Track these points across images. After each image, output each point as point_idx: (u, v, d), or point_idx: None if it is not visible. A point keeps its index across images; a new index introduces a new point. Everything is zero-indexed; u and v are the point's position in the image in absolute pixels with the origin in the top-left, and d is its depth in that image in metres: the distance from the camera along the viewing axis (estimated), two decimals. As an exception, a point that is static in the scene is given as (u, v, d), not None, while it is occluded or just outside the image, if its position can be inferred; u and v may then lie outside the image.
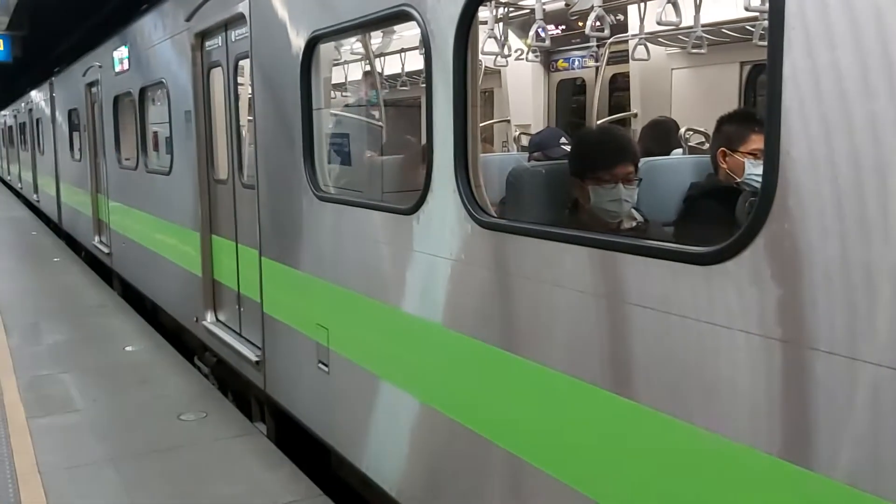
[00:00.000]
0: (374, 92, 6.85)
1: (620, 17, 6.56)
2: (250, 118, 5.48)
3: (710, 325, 2.18)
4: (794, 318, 1.96)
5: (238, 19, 5.42)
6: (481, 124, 3.59)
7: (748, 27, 5.40)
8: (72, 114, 13.39)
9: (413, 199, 3.52)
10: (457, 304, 3.31)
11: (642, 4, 6.02)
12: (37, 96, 18.61)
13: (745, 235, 2.06)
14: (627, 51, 6.43)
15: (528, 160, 4.74)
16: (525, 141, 6.38)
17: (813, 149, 1.88)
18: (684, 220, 3.34)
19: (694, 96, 6.59)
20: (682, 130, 4.38)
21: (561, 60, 8.40)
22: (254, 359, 5.49)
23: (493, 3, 5.94)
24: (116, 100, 9.71)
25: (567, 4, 6.21)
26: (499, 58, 6.62)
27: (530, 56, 7.62)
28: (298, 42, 4.46)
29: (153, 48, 7.84)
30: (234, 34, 5.69)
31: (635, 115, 6.81)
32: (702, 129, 4.48)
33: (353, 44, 6.04)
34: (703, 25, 5.44)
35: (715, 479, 2.22)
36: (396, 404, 3.82)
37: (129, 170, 9.25)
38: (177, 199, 7.27)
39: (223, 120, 6.14)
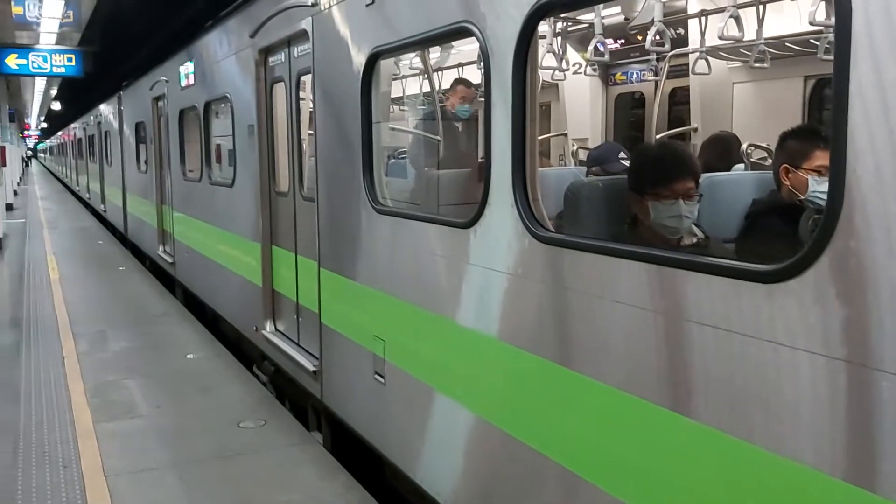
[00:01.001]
0: (431, 106, 6.92)
1: (681, 30, 6.50)
2: (311, 132, 5.58)
3: (772, 344, 2.15)
4: (859, 337, 1.92)
5: (301, 36, 5.54)
6: (539, 138, 3.59)
7: (813, 41, 5.31)
8: (139, 127, 13.79)
9: (470, 213, 3.55)
10: (512, 318, 3.31)
11: (703, 18, 5.96)
12: (105, 109, 19.22)
13: (810, 253, 2.03)
14: (688, 64, 6.37)
15: (587, 174, 4.73)
16: (583, 155, 6.35)
17: (880, 166, 1.85)
18: (746, 238, 3.29)
19: (756, 111, 6.49)
20: (745, 146, 4.32)
21: (619, 74, 8.36)
22: (311, 368, 5.57)
23: (552, 18, 5.95)
24: (182, 113, 9.98)
25: (626, 19, 6.18)
26: (557, 72, 6.62)
27: (588, 70, 7.60)
28: (359, 58, 4.53)
29: (218, 63, 8.05)
30: (296, 50, 5.82)
31: (695, 130, 6.73)
32: (764, 145, 4.41)
33: (411, 58, 6.11)
34: (765, 39, 5.36)
35: (776, 501, 2.18)
36: (451, 417, 3.84)
37: (193, 181, 9.48)
38: (239, 210, 7.44)
39: (285, 134, 6.26)
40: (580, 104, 8.28)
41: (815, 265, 2.02)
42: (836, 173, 1.95)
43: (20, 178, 41.50)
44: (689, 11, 6.21)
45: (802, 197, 3.19)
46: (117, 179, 16.74)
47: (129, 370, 7.14)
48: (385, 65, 4.59)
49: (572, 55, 7.23)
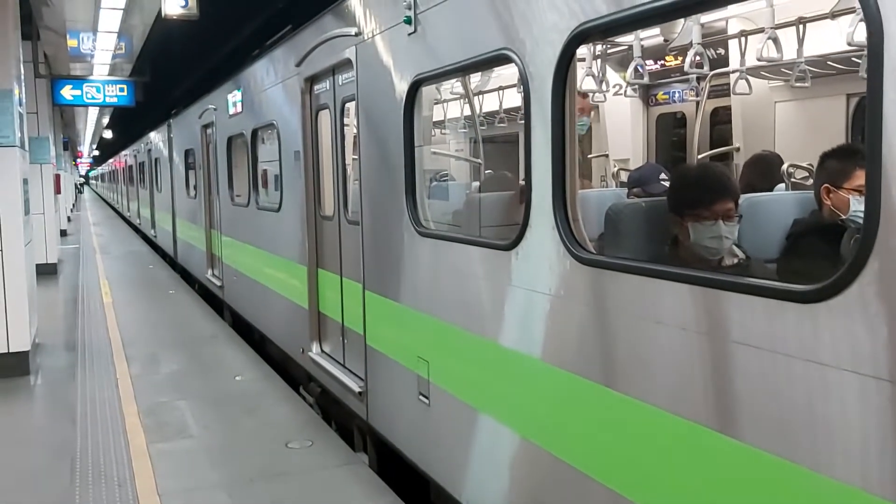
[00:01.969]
0: (472, 130, 7.01)
1: (721, 50, 6.51)
2: (355, 157, 5.70)
3: (813, 364, 2.16)
4: (899, 357, 1.94)
5: (345, 64, 5.68)
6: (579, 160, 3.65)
7: (854, 59, 5.28)
8: (188, 153, 14.12)
9: (511, 235, 3.61)
10: (555, 339, 3.35)
11: (743, 38, 5.96)
12: (155, 137, 19.72)
13: (848, 273, 2.05)
14: (729, 84, 6.37)
15: (628, 196, 4.76)
16: (624, 176, 6.37)
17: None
18: (787, 258, 3.30)
19: (799, 130, 6.44)
20: (785, 166, 4.31)
21: (661, 93, 8.36)
22: (357, 390, 5.65)
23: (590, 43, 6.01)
24: (230, 140, 10.23)
25: (665, 41, 6.21)
26: (597, 93, 6.67)
27: (629, 91, 7.62)
28: (402, 85, 4.65)
29: (265, 92, 8.26)
30: (341, 78, 5.96)
31: (737, 150, 6.70)
32: (805, 165, 4.40)
33: (453, 84, 6.22)
34: (806, 58, 5.35)
35: (822, 521, 2.18)
36: (496, 438, 3.88)
37: (240, 206, 9.70)
38: (285, 234, 7.59)
39: (330, 159, 6.41)
40: (621, 125, 8.29)
41: (854, 284, 2.04)
42: (872, 193, 1.97)
43: (73, 205, 42.62)
44: (729, 32, 6.21)
45: (844, 217, 3.18)
46: (167, 205, 17.13)
47: (179, 391, 7.31)
48: (427, 91, 4.68)
49: (612, 76, 7.27)
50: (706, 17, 5.71)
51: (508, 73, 6.74)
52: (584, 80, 5.86)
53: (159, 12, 9.86)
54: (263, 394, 7.21)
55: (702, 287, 2.58)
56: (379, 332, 5.33)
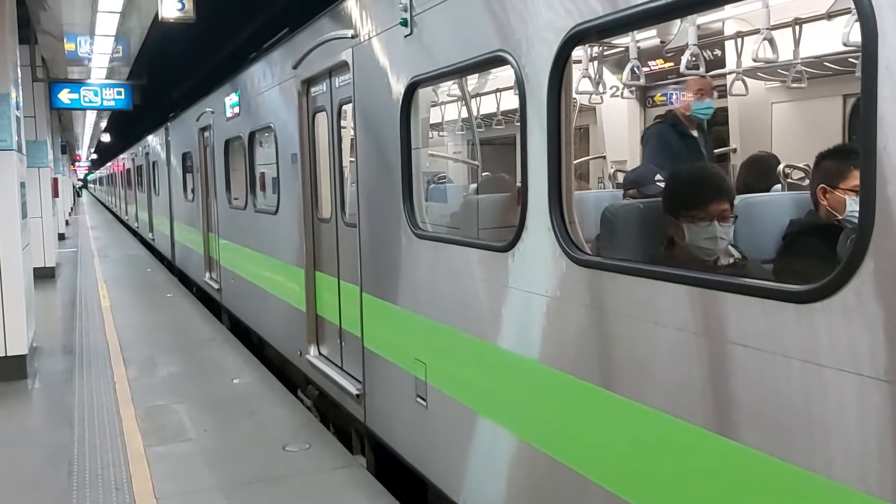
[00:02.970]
0: (469, 132, 7.01)
1: (717, 52, 6.52)
2: (352, 159, 5.70)
3: (810, 364, 2.16)
4: (895, 356, 1.93)
5: (342, 66, 5.68)
6: (576, 161, 3.65)
7: (851, 59, 5.29)
8: (185, 157, 14.12)
9: (508, 236, 3.61)
10: (552, 341, 3.35)
11: (739, 39, 5.97)
12: (153, 140, 19.72)
13: (844, 273, 2.05)
14: (725, 85, 6.38)
15: (623, 197, 4.76)
16: (620, 178, 6.38)
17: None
18: (784, 258, 3.30)
19: (796, 130, 6.45)
20: (781, 166, 4.32)
21: (658, 95, 8.37)
22: (355, 392, 5.65)
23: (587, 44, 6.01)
24: (227, 143, 10.23)
25: (662, 42, 6.22)
26: (593, 95, 6.68)
27: (626, 92, 7.63)
28: (398, 87, 4.65)
29: (262, 95, 8.26)
30: (337, 80, 5.96)
31: (734, 151, 6.71)
32: (801, 165, 4.41)
33: (449, 86, 6.22)
34: (802, 59, 5.36)
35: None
36: (494, 440, 3.87)
37: (238, 209, 9.70)
38: (283, 237, 7.59)
39: (327, 161, 6.41)
40: (618, 126, 8.31)
41: (850, 284, 2.04)
42: (867, 193, 1.97)
43: (71, 209, 42.60)
44: (725, 33, 6.22)
45: (840, 217, 3.19)
46: (165, 208, 17.13)
47: (177, 395, 7.30)
48: (423, 93, 4.68)
49: (609, 77, 7.27)
50: (702, 19, 5.72)
51: (505, 74, 6.74)
52: (580, 81, 5.86)
53: (156, 15, 9.86)
54: (261, 397, 7.20)
55: (698, 288, 2.58)
56: (376, 335, 5.33)
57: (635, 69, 5.73)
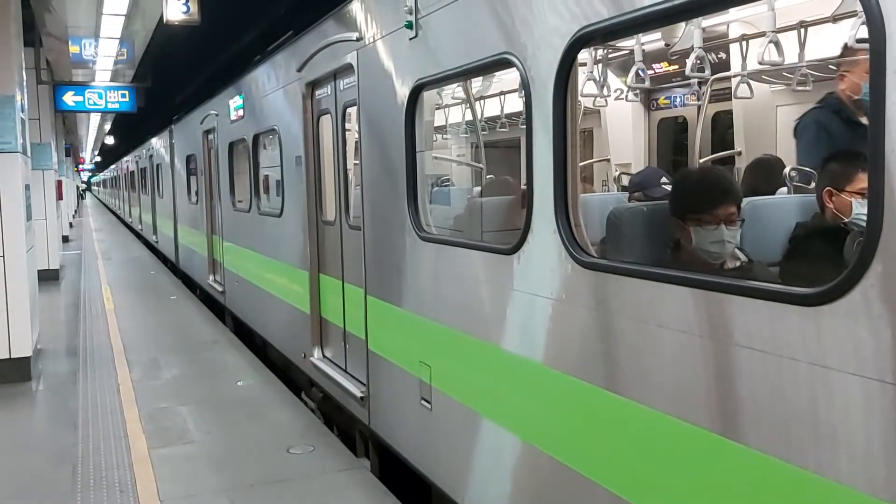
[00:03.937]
0: (474, 135, 7.02)
1: (722, 55, 6.51)
2: (357, 162, 5.71)
3: (816, 367, 2.15)
4: (901, 359, 1.93)
5: (346, 69, 5.68)
6: (581, 164, 3.64)
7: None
8: (189, 159, 14.14)
9: (513, 239, 3.60)
10: (557, 344, 3.35)
11: (744, 42, 5.97)
12: (157, 143, 19.75)
13: (851, 276, 2.04)
14: (730, 88, 6.37)
15: (629, 200, 4.76)
16: (625, 180, 6.38)
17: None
18: (790, 261, 3.29)
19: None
20: (787, 169, 4.31)
21: (662, 98, 8.37)
22: (359, 395, 5.65)
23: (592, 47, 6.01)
24: (231, 146, 10.23)
25: (667, 45, 6.22)
26: (598, 98, 6.67)
27: (630, 95, 7.63)
28: (403, 90, 4.65)
29: (266, 97, 8.27)
30: (342, 83, 5.97)
31: (739, 154, 6.70)
32: (807, 168, 4.40)
33: (454, 88, 6.22)
34: (808, 62, 5.35)
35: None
36: (498, 442, 3.87)
37: (242, 212, 9.70)
38: (287, 239, 7.59)
39: (331, 164, 6.41)
40: (623, 129, 8.31)
41: (857, 288, 2.03)
42: (875, 196, 1.97)
43: (75, 211, 42.67)
44: (730, 36, 6.21)
45: (846, 220, 3.18)
46: (169, 211, 17.15)
47: (181, 397, 7.30)
48: (428, 95, 4.68)
49: (614, 81, 7.28)
50: (707, 22, 5.72)
51: (510, 77, 6.75)
52: (585, 84, 5.86)
53: (161, 18, 9.88)
54: (265, 399, 7.20)
55: (704, 290, 2.57)
56: (381, 337, 5.32)
57: (640, 72, 5.73)
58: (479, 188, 5.93)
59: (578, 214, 3.24)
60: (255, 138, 8.82)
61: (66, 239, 24.61)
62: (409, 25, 4.45)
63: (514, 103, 8.50)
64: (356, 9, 5.44)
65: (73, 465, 5.62)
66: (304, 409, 6.93)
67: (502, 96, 8.66)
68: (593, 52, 6.07)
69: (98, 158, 66.24)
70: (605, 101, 6.99)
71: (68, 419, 6.70)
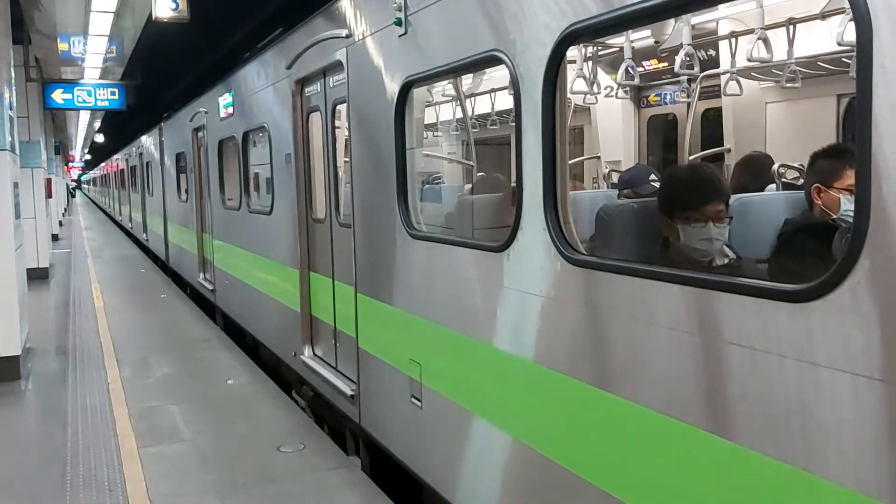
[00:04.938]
0: (464, 132, 7.01)
1: (712, 52, 6.52)
2: (347, 159, 5.69)
3: (805, 364, 2.16)
4: (892, 355, 1.93)
5: (336, 66, 5.67)
6: (571, 161, 3.64)
7: (845, 59, 5.30)
8: (179, 157, 14.09)
9: (503, 237, 3.60)
10: (548, 341, 3.34)
11: (734, 39, 5.98)
12: (147, 141, 19.67)
13: (839, 272, 2.05)
14: (720, 85, 6.38)
15: (618, 197, 4.76)
16: (615, 178, 6.38)
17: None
18: (778, 257, 3.30)
19: (790, 130, 6.46)
20: (776, 166, 4.32)
21: (652, 95, 8.38)
22: (349, 393, 5.64)
23: (581, 44, 6.01)
24: (221, 143, 10.20)
25: (656, 42, 6.22)
26: (588, 95, 6.67)
27: (620, 93, 7.63)
28: (393, 87, 4.64)
29: (255, 95, 8.24)
30: (332, 80, 5.95)
31: (728, 151, 6.72)
32: (795, 165, 4.41)
33: (444, 86, 6.21)
34: (797, 59, 5.36)
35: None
36: (489, 440, 3.87)
37: (232, 210, 9.67)
38: (277, 237, 7.57)
39: (321, 162, 6.39)
40: (613, 127, 8.31)
41: (845, 283, 2.03)
42: (862, 192, 1.97)
43: (65, 209, 42.46)
44: (720, 33, 6.22)
45: (835, 216, 3.19)
46: (158, 209, 17.09)
47: (171, 395, 7.28)
48: (417, 92, 4.68)
49: (603, 78, 7.28)
50: (697, 19, 5.72)
51: (500, 74, 6.74)
52: (574, 81, 5.86)
53: (150, 15, 9.83)
54: (255, 397, 7.18)
55: (693, 287, 2.57)
56: (371, 335, 5.32)
57: (630, 69, 5.73)
58: (469, 186, 5.92)
59: (568, 212, 3.24)
60: (245, 136, 8.79)
61: (55, 237, 24.49)
62: (399, 22, 4.44)
63: (505, 100, 8.49)
64: (346, 6, 5.42)
65: (63, 464, 5.60)
66: (295, 408, 6.92)
67: (493, 93, 8.65)
68: (583, 49, 6.07)
69: (88, 156, 65.95)
70: (595, 98, 6.99)
71: (57, 418, 6.67)
